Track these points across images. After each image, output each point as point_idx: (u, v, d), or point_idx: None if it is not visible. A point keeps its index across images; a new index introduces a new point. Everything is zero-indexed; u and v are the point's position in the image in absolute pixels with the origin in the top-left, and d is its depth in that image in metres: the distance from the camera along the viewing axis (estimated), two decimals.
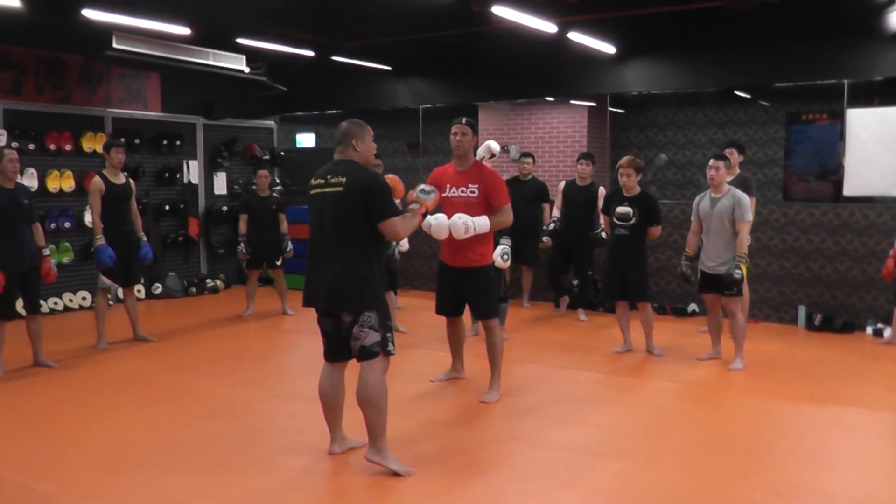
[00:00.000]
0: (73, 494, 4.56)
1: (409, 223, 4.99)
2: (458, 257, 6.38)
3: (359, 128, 4.94)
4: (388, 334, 4.86)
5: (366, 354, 4.80)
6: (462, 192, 6.33)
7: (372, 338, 4.77)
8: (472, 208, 6.24)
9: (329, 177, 4.82)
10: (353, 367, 4.93)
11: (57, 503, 4.47)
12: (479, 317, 6.62)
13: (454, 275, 6.48)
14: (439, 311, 6.76)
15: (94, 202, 8.00)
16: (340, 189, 4.76)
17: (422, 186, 5.36)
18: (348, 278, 4.76)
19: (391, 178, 5.18)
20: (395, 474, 4.76)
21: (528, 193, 9.93)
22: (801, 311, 9.37)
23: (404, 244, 9.01)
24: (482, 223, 6.16)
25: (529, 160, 10.22)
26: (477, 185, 6.31)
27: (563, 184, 10.02)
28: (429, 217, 6.19)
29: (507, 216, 6.35)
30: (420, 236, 11.60)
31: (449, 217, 6.19)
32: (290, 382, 7.03)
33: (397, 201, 5.24)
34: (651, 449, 5.32)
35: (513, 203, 6.50)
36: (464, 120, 6.45)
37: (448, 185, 6.40)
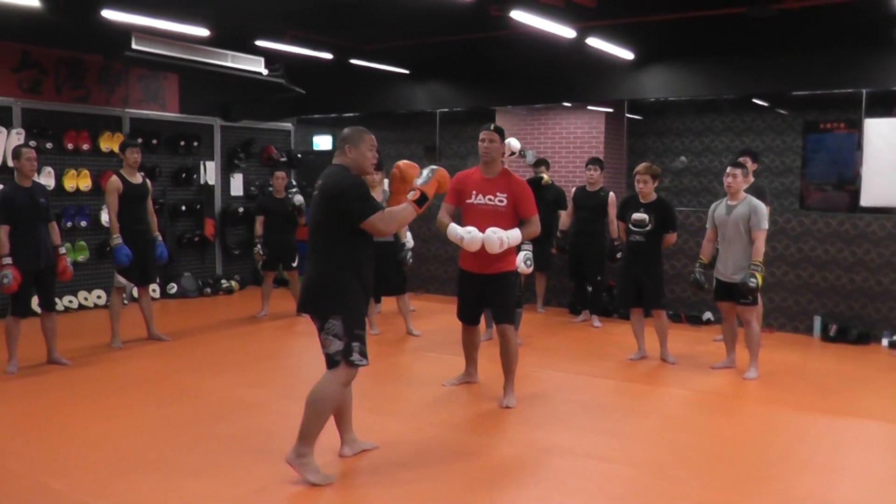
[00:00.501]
0: (84, 491, 4.58)
1: (398, 217, 4.75)
2: (484, 265, 6.24)
3: (356, 134, 4.82)
4: (355, 343, 4.67)
5: (329, 362, 4.74)
6: (489, 200, 6.20)
7: (335, 346, 4.67)
8: (500, 217, 6.16)
9: (317, 181, 4.80)
10: (363, 372, 4.91)
11: (69, 500, 4.49)
12: (498, 321, 6.42)
13: (478, 281, 6.37)
14: (462, 317, 6.69)
15: (111, 201, 8.04)
16: (317, 192, 4.74)
17: (425, 169, 5.15)
18: (317, 282, 4.70)
19: (405, 164, 5.01)
20: (313, 484, 4.66)
21: (546, 199, 9.92)
22: (817, 321, 9.32)
23: (409, 240, 9.00)
24: (515, 236, 6.11)
25: (542, 168, 10.26)
26: (506, 195, 6.20)
27: (574, 189, 10.04)
28: (459, 230, 6.10)
29: (536, 227, 6.28)
30: (436, 239, 11.61)
31: (479, 228, 6.08)
32: (303, 384, 7.01)
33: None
34: (664, 457, 5.30)
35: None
36: (492, 126, 6.33)
37: (473, 192, 6.26)
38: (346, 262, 4.67)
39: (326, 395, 4.74)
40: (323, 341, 4.71)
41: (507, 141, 6.52)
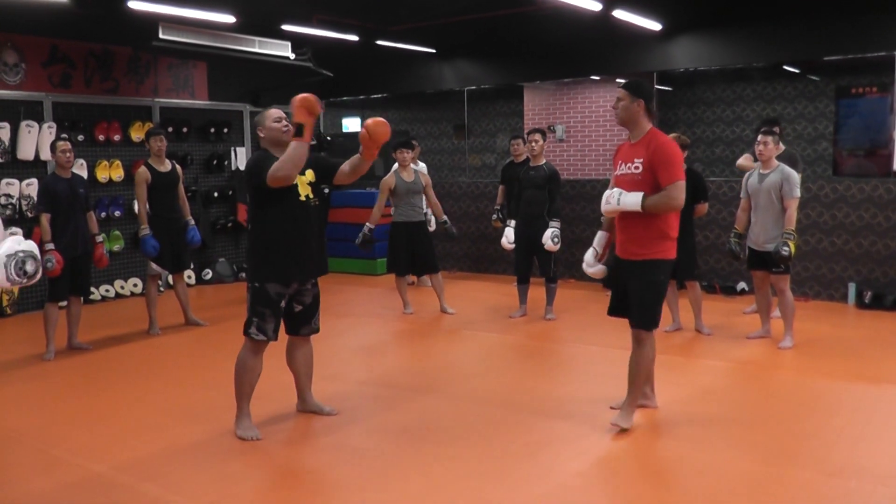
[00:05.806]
0: (127, 474, 4.66)
1: (289, 156, 4.74)
2: (625, 248, 5.24)
3: (260, 115, 5.18)
4: (254, 318, 5.07)
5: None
6: (628, 168, 5.13)
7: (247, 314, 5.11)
8: (636, 188, 5.06)
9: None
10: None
11: (111, 483, 4.57)
12: (635, 323, 5.27)
13: (622, 269, 5.30)
14: (611, 310, 5.55)
15: (139, 192, 8.15)
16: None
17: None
18: (246, 254, 5.10)
19: (372, 122, 4.95)
20: (240, 438, 5.11)
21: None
22: (852, 288, 9.24)
23: (430, 216, 9.23)
24: (630, 201, 5.03)
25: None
26: (641, 160, 5.06)
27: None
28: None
29: (672, 199, 4.98)
30: (468, 217, 11.62)
31: None
32: (339, 364, 7.09)
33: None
34: (699, 427, 5.29)
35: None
36: (623, 82, 5.35)
37: (620, 163, 5.25)
38: (260, 235, 5.06)
39: (238, 363, 5.20)
40: None
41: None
